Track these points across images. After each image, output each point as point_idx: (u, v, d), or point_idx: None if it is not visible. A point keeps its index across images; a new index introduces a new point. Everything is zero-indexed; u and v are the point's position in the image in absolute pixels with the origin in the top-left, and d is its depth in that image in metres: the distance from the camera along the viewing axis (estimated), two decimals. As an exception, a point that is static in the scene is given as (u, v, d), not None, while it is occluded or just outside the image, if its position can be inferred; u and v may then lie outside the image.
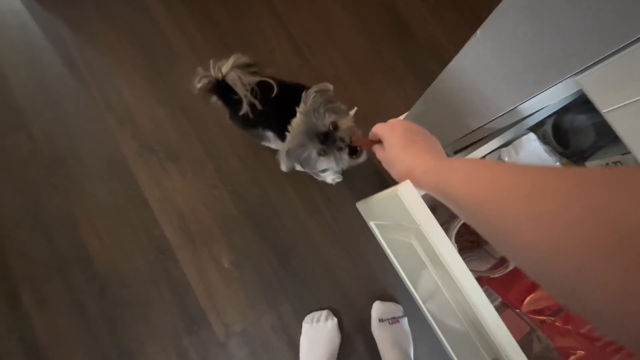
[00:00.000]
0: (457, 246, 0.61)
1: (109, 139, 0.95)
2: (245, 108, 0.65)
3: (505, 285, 0.55)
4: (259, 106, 0.65)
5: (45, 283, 0.88)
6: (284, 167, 0.68)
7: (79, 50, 1.01)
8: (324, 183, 0.93)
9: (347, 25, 1.03)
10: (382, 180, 0.94)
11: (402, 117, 0.89)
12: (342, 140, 0.58)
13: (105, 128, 0.96)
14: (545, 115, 0.61)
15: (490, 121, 0.56)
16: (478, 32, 0.46)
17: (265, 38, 1.02)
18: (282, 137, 0.69)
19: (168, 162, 0.95)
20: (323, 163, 0.61)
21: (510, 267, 0.54)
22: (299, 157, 0.60)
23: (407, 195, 0.41)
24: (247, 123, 0.72)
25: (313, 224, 0.92)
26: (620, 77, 0.36)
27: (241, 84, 0.64)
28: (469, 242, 0.67)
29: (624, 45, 0.33)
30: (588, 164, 0.60)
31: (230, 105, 0.70)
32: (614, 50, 0.34)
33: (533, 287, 0.54)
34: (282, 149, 0.62)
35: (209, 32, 1.02)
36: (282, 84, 0.67)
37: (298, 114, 0.59)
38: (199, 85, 0.67)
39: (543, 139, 0.65)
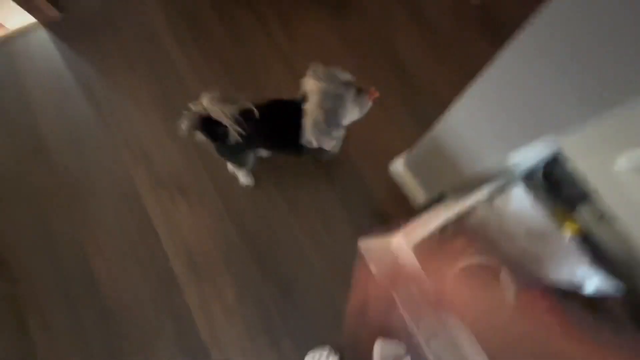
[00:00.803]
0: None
1: (124, 173, 1.01)
2: (233, 136, 0.69)
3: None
4: (243, 132, 0.69)
5: (52, 310, 0.91)
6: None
7: (102, 91, 1.10)
8: (326, 216, 0.96)
9: (349, 64, 1.11)
10: (382, 218, 0.97)
11: (401, 156, 0.94)
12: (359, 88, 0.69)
13: (121, 163, 1.02)
14: (535, 164, 0.65)
15: (481, 170, 0.60)
16: (464, 96, 0.52)
17: (271, 74, 1.10)
18: (274, 149, 0.86)
19: (178, 196, 0.99)
20: (355, 111, 0.71)
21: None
22: (335, 113, 0.67)
23: (399, 245, 0.44)
24: (236, 150, 0.77)
25: (315, 257, 0.94)
26: (595, 139, 0.40)
27: (224, 115, 0.68)
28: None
29: (600, 111, 0.36)
30: (578, 209, 0.62)
31: (217, 139, 0.74)
32: (591, 115, 0.37)
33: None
34: (309, 124, 0.68)
35: (220, 72, 1.10)
36: (259, 106, 0.72)
37: (314, 95, 0.67)
38: (184, 127, 0.72)
39: (534, 186, 0.69)
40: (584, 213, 0.62)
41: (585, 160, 0.41)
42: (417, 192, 0.90)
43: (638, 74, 0.29)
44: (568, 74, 0.35)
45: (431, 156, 0.73)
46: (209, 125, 0.71)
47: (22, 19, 1.17)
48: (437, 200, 0.87)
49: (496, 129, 0.51)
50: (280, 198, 0.99)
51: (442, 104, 0.60)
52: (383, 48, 1.12)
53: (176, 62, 1.12)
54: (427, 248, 0.65)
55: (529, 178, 0.68)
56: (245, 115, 0.70)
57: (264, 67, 1.10)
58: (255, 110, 0.70)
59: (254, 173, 0.97)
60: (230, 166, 0.92)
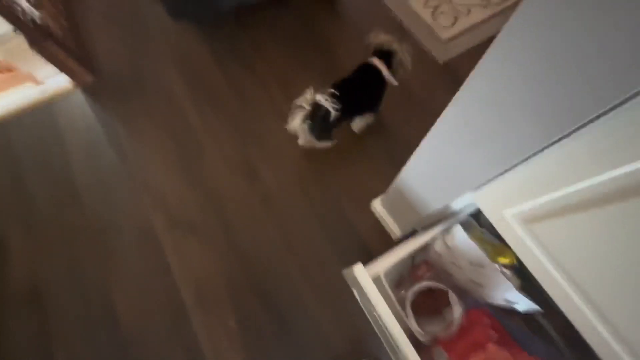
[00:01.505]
0: (419, 312, 0.76)
1: (144, 215, 1.17)
2: (334, 113, 0.97)
3: (452, 343, 0.69)
4: (339, 107, 0.97)
5: (76, 344, 1.03)
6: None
7: (128, 145, 1.29)
8: (317, 253, 1.11)
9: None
10: (368, 252, 1.12)
11: (380, 196, 1.11)
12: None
13: (141, 206, 1.19)
14: (477, 208, 0.82)
15: (433, 212, 0.76)
16: (412, 156, 0.70)
17: (274, 134, 1.30)
18: (360, 114, 1.17)
19: (189, 234, 1.15)
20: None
21: (454, 327, 0.69)
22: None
23: (361, 274, 0.59)
24: (331, 126, 1.05)
25: (308, 291, 1.07)
26: (501, 192, 0.57)
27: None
28: (430, 309, 0.82)
29: (505, 170, 0.53)
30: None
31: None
32: (498, 174, 0.54)
33: (477, 346, 0.68)
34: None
35: (230, 130, 1.31)
36: (337, 85, 1.02)
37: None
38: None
39: (482, 223, 0.85)
40: (517, 246, 0.78)
41: (489, 211, 0.58)
42: (393, 228, 1.06)
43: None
44: (477, 146, 0.53)
45: (398, 199, 0.90)
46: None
47: (62, 81, 1.40)
48: (410, 235, 1.03)
49: (435, 182, 0.68)
50: (279, 238, 1.15)
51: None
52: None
53: (191, 120, 1.33)
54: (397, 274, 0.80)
55: (477, 217, 0.85)
56: (333, 97, 0.97)
57: (268, 126, 1.31)
58: (337, 92, 0.98)
59: (270, 210, 1.14)
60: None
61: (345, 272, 1.04)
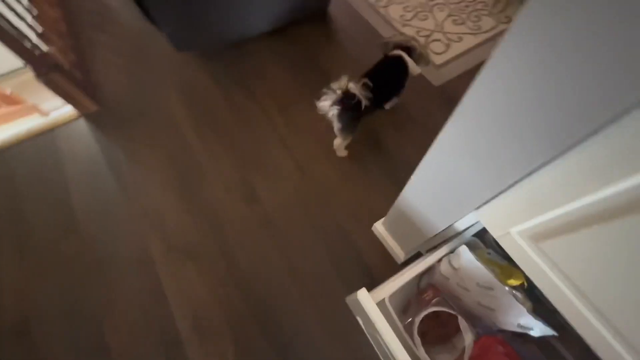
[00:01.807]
0: (427, 339, 0.72)
1: (142, 242, 1.15)
2: (365, 102, 1.01)
3: (465, 374, 0.65)
4: (369, 97, 1.02)
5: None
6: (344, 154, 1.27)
7: (128, 171, 1.30)
8: (320, 280, 1.07)
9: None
10: (372, 276, 1.08)
11: (382, 218, 1.09)
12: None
13: (140, 232, 1.17)
14: (482, 227, 0.80)
15: (436, 233, 0.75)
16: (412, 177, 0.69)
17: (274, 158, 1.30)
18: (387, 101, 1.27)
19: (187, 261, 1.12)
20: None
21: (466, 357, 0.65)
22: None
23: (364, 300, 0.56)
24: (359, 116, 1.10)
25: (312, 319, 1.03)
26: (504, 210, 0.55)
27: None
28: (439, 336, 0.78)
29: (507, 187, 0.52)
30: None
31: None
32: (500, 191, 0.53)
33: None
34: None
35: (231, 154, 1.31)
36: (368, 75, 1.08)
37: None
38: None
39: (487, 244, 0.83)
40: (526, 267, 0.75)
41: (495, 229, 0.56)
42: (397, 251, 1.03)
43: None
44: (477, 163, 0.52)
45: (400, 220, 0.89)
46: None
47: (65, 110, 1.43)
48: (414, 258, 1.01)
49: (437, 202, 0.67)
50: (280, 263, 1.12)
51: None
52: (365, 131, 1.35)
53: (192, 145, 1.34)
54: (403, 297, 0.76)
55: (482, 237, 0.83)
56: (365, 87, 1.02)
57: (268, 150, 1.32)
58: (369, 82, 1.03)
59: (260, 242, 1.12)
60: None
61: (349, 299, 1.00)
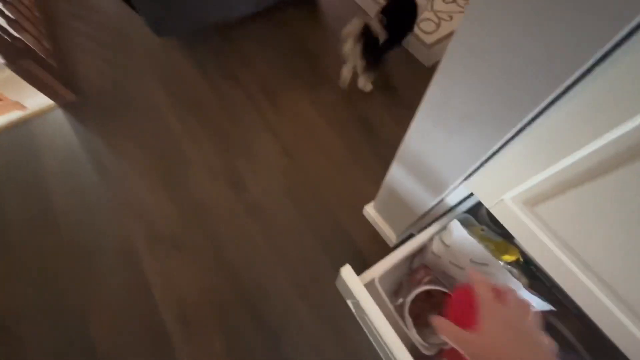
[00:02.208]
0: (421, 321, 0.69)
1: (125, 233, 1.10)
2: (383, 36, 1.09)
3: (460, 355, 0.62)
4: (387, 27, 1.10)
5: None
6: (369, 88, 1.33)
7: (109, 161, 1.24)
8: (311, 265, 1.04)
9: (328, 132, 1.29)
10: (365, 261, 1.05)
11: (373, 201, 1.06)
12: None
13: (122, 224, 1.12)
14: (474, 203, 0.77)
15: (428, 210, 0.71)
16: (398, 152, 0.65)
17: (261, 144, 1.26)
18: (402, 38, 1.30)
19: (173, 251, 1.08)
20: None
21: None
22: None
23: (348, 277, 0.53)
24: (381, 50, 1.17)
25: (303, 307, 0.99)
26: (495, 177, 0.52)
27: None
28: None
29: (493, 152, 0.48)
30: (515, 240, 0.72)
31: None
32: (488, 155, 0.49)
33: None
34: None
35: (216, 141, 1.27)
36: (384, 11, 1.15)
37: None
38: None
39: (480, 220, 0.80)
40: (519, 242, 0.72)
41: (487, 199, 0.53)
42: (389, 234, 1.00)
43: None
44: (462, 127, 0.49)
45: (390, 199, 0.85)
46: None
47: (41, 100, 1.36)
48: (406, 238, 0.97)
49: (425, 175, 0.63)
50: (270, 251, 1.08)
51: None
52: (353, 112, 1.31)
53: (175, 133, 1.29)
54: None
55: (474, 214, 0.80)
56: (381, 22, 1.09)
57: (254, 136, 1.28)
58: (384, 17, 1.11)
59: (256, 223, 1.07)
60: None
61: (338, 283, 0.97)
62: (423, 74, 1.39)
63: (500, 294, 0.38)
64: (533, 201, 0.44)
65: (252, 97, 1.36)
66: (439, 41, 1.43)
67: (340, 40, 1.16)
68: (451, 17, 1.49)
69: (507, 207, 0.49)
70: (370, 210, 1.05)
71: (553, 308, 0.58)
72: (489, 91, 0.38)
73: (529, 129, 0.39)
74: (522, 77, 0.34)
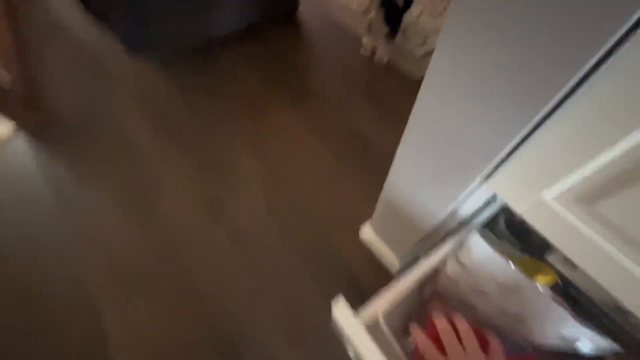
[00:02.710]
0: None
1: (82, 271, 0.94)
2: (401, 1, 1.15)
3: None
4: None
5: None
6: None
7: (71, 187, 1.10)
8: (299, 298, 0.88)
9: (315, 145, 1.18)
10: (363, 292, 0.90)
11: (370, 220, 0.92)
12: None
13: (81, 260, 0.96)
14: (492, 213, 0.64)
15: (437, 224, 0.58)
16: (397, 153, 0.54)
17: (242, 161, 1.14)
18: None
19: (137, 293, 0.91)
20: None
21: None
22: None
23: (343, 317, 0.38)
24: (398, 15, 1.23)
25: (292, 354, 0.82)
26: (524, 174, 0.39)
27: None
28: None
29: (515, 144, 0.37)
30: (548, 256, 0.59)
31: (391, 9, 1.19)
32: (521, 138, 0.37)
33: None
34: None
35: (192, 162, 1.14)
36: None
37: None
38: (372, 12, 1.20)
39: (499, 235, 0.66)
40: (554, 260, 0.59)
41: (518, 202, 0.40)
42: (391, 258, 0.85)
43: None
44: (480, 106, 0.37)
45: (390, 216, 0.72)
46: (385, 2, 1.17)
47: (1, 127, 1.24)
48: (411, 262, 0.83)
49: (429, 179, 0.51)
50: (252, 284, 0.92)
51: None
52: (342, 125, 1.22)
53: (147, 155, 1.17)
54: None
55: (492, 228, 0.66)
56: None
57: (234, 154, 1.16)
58: None
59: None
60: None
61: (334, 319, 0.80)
62: (412, 87, 1.32)
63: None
64: (591, 197, 0.32)
65: (231, 113, 1.27)
66: (429, 53, 1.39)
67: (359, 13, 1.32)
68: (438, 31, 1.46)
69: (549, 210, 0.37)
70: (367, 231, 0.91)
71: (619, 349, 0.44)
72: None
73: (578, 94, 0.28)
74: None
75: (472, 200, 0.50)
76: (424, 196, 0.55)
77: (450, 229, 0.62)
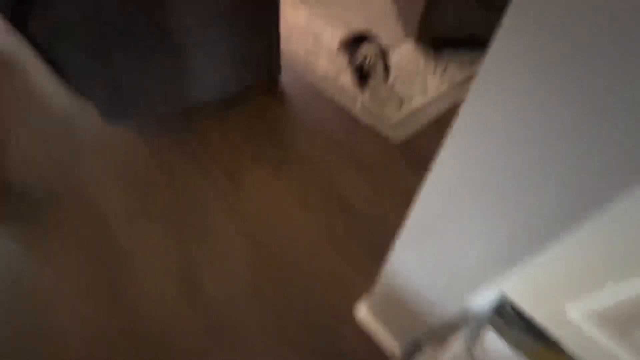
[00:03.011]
0: None
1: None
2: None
3: None
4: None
5: None
6: None
7: (30, 272, 0.97)
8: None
9: (299, 213, 1.14)
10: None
11: (365, 298, 0.86)
12: None
13: (29, 353, 0.80)
14: (502, 301, 0.61)
15: (443, 314, 0.54)
16: (397, 243, 0.51)
17: (223, 232, 1.07)
18: None
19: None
20: None
21: None
22: None
23: None
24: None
25: None
26: (544, 283, 0.37)
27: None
28: None
29: (532, 254, 0.34)
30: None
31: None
32: (544, 245, 0.34)
33: None
34: None
35: (167, 232, 1.06)
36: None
37: None
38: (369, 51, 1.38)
39: (507, 319, 0.62)
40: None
41: (536, 309, 0.37)
42: (389, 341, 0.78)
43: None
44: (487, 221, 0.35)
45: (389, 302, 0.67)
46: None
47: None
48: (414, 350, 0.75)
49: (436, 274, 0.48)
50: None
51: (393, 234, 0.59)
52: (328, 192, 1.20)
53: (119, 235, 1.07)
54: None
55: (501, 316, 0.63)
56: None
57: (212, 222, 1.10)
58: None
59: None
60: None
61: None
62: (394, 151, 1.36)
63: None
64: (629, 321, 0.30)
65: (210, 178, 1.22)
66: (405, 118, 1.47)
67: (356, 59, 1.42)
68: (412, 97, 1.56)
69: (574, 326, 0.34)
70: (363, 312, 0.84)
71: None
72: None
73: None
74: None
75: (482, 293, 0.47)
76: (428, 292, 0.51)
77: (459, 319, 0.58)
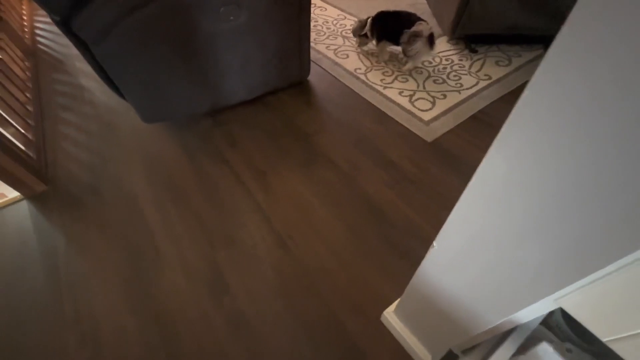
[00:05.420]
0: None
1: (64, 351, 0.82)
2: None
3: None
4: None
5: None
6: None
7: (65, 260, 1.03)
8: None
9: (326, 215, 1.12)
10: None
11: (394, 305, 0.82)
12: None
13: (64, 345, 0.84)
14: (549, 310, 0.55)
15: (486, 330, 0.49)
16: (435, 243, 0.47)
17: (250, 233, 1.07)
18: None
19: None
20: None
21: None
22: None
23: None
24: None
25: None
26: (609, 302, 0.32)
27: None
28: None
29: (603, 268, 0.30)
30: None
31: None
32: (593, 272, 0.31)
33: None
34: None
35: (196, 232, 1.08)
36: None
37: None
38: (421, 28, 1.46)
39: (557, 332, 0.57)
40: None
41: (597, 323, 0.33)
42: (420, 352, 0.74)
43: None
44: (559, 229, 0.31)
45: (420, 309, 0.63)
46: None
47: (8, 191, 1.22)
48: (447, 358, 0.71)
49: (480, 282, 0.44)
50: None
51: (422, 239, 0.55)
52: (356, 194, 1.17)
53: (151, 228, 1.11)
54: None
55: (549, 326, 0.57)
56: None
57: (239, 221, 1.11)
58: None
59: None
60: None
61: None
62: (425, 150, 1.31)
63: None
64: None
65: (240, 179, 1.23)
66: (437, 117, 1.40)
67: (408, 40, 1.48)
68: (445, 96, 1.50)
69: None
70: (391, 318, 0.80)
71: None
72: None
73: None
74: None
75: (535, 308, 0.42)
76: (471, 303, 0.47)
77: (502, 331, 0.53)
